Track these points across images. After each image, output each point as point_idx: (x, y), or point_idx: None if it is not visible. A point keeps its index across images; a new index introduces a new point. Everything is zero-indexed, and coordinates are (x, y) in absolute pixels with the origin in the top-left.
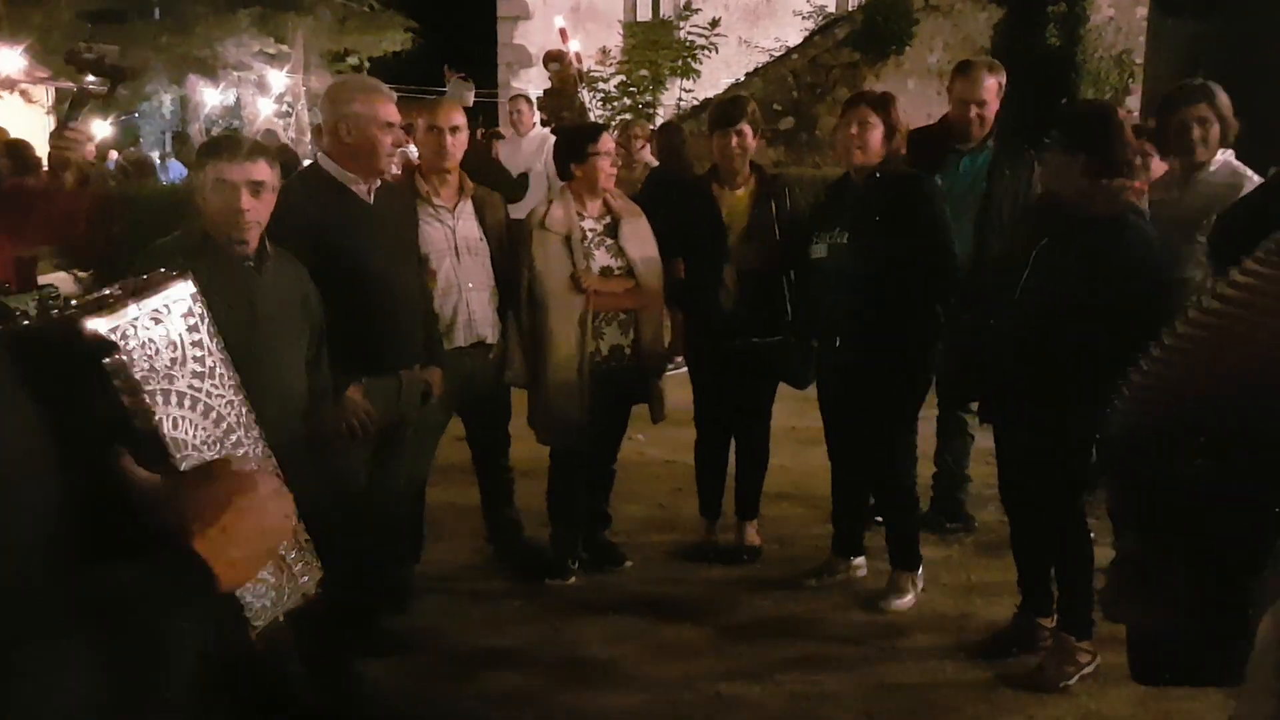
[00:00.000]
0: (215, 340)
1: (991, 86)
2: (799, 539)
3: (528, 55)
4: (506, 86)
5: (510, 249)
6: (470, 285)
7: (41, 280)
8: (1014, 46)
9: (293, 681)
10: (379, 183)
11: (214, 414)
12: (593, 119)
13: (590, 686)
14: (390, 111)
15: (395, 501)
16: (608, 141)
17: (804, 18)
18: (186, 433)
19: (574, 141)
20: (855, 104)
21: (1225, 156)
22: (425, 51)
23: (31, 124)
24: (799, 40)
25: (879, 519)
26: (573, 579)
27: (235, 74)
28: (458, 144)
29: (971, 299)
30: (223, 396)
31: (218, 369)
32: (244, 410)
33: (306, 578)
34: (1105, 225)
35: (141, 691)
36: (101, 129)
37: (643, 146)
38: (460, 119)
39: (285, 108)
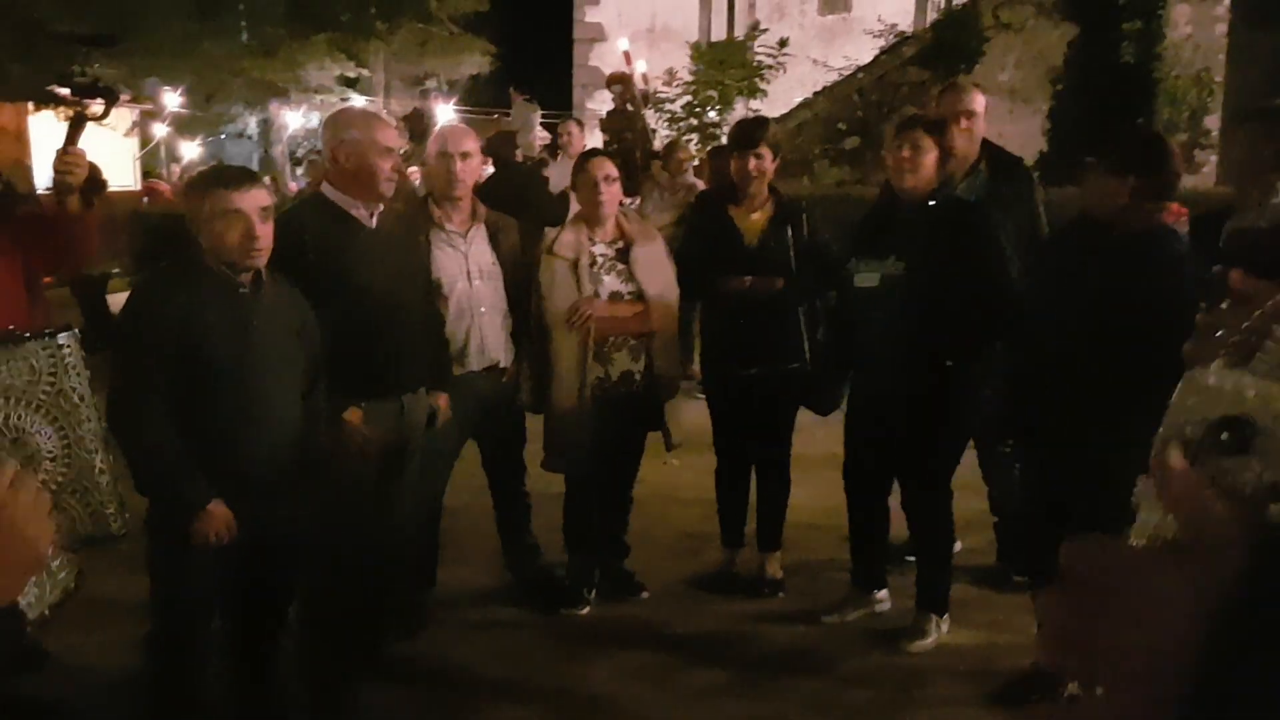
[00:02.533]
0: None
1: (980, 101)
2: (824, 571)
3: (602, 77)
4: (581, 108)
5: (524, 273)
6: (483, 309)
7: (111, 298)
8: (1088, 64)
9: (289, 704)
10: (381, 207)
11: None
12: (658, 140)
13: None
14: (389, 137)
15: (402, 526)
16: (595, 167)
17: (875, 36)
18: None
19: (575, 167)
20: (910, 126)
21: None
22: (502, 74)
23: (106, 146)
24: (871, 59)
25: (909, 557)
26: (587, 609)
27: (318, 97)
28: (467, 170)
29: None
30: None
31: None
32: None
33: (65, 573)
34: (1143, 241)
35: None
36: (190, 150)
37: (687, 169)
38: (471, 145)
39: None
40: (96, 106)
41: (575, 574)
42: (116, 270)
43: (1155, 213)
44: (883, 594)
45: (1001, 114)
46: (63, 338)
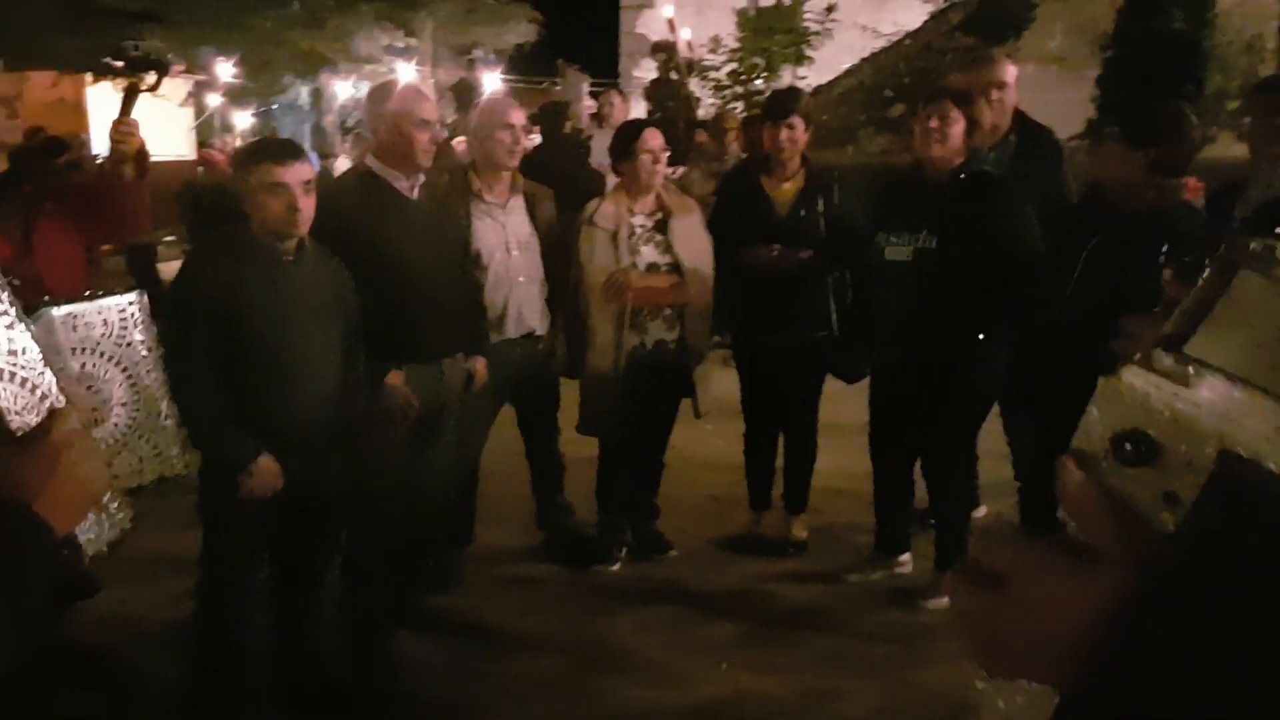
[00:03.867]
0: (20, 325)
1: (1011, 72)
2: (848, 534)
3: (649, 44)
4: (628, 76)
5: (563, 243)
6: (521, 279)
7: (164, 267)
8: (1138, 31)
9: (328, 654)
10: (423, 178)
11: (29, 384)
12: (703, 109)
13: (614, 674)
14: (426, 110)
15: (441, 486)
16: (650, 139)
17: (924, 1)
18: (10, 402)
19: (621, 139)
20: (938, 97)
21: None
22: (549, 43)
23: (161, 116)
24: (918, 26)
25: (931, 521)
26: (617, 565)
27: (367, 67)
28: (525, 142)
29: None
30: (34, 369)
31: (28, 349)
32: (53, 381)
33: (121, 514)
34: (1157, 218)
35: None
36: (243, 120)
37: (735, 139)
38: (520, 118)
39: None
40: (149, 78)
41: (606, 532)
42: (169, 238)
43: (1178, 189)
44: (905, 557)
45: (1050, 82)
46: (132, 296)
